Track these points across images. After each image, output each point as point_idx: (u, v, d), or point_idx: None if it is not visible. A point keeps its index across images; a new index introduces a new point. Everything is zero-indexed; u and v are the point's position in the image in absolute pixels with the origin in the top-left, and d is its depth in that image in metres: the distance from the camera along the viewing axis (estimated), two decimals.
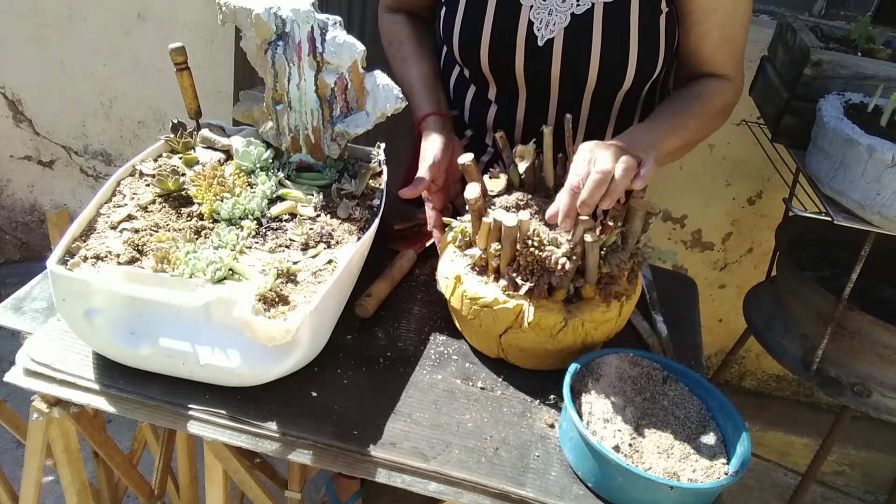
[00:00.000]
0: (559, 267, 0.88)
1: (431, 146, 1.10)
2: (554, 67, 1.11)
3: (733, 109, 1.16)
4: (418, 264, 1.16)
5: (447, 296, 0.99)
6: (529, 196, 1.01)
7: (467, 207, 0.95)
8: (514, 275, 0.91)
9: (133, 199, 0.97)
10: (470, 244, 0.98)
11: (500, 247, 0.91)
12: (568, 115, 1.02)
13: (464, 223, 0.99)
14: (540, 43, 1.09)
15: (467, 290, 0.94)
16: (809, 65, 1.39)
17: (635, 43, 1.08)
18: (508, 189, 1.03)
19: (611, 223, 0.91)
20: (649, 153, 0.90)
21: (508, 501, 0.83)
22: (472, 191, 0.93)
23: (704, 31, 1.10)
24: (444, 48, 1.27)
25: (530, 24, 1.08)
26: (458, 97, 1.27)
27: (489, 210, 0.96)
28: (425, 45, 1.24)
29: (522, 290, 0.90)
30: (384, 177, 1.07)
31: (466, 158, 0.99)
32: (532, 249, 0.89)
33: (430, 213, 1.11)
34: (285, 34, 0.98)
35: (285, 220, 0.99)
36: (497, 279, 0.94)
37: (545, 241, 0.90)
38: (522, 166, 1.02)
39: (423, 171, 1.07)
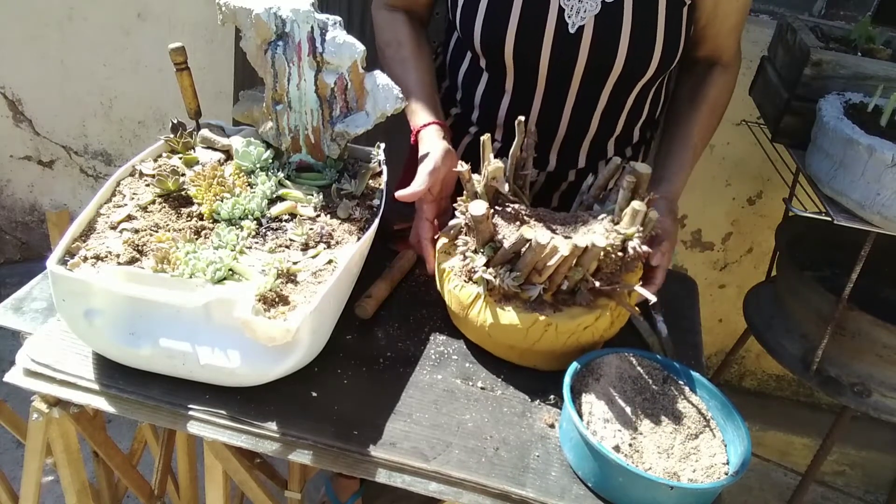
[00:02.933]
0: (642, 252, 0.93)
1: (433, 153, 1.05)
2: (581, 56, 1.10)
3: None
4: (418, 264, 1.16)
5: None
6: (506, 206, 1.01)
7: (527, 254, 0.90)
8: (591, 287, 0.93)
9: (133, 199, 0.97)
10: (507, 294, 0.93)
11: (581, 270, 0.91)
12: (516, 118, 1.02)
13: (509, 282, 0.92)
14: (571, 30, 1.07)
15: (559, 325, 0.92)
16: (809, 65, 1.39)
17: (661, 32, 1.08)
18: (491, 215, 1.00)
19: (655, 195, 0.97)
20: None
21: (508, 501, 0.83)
22: (542, 236, 0.89)
23: (726, 17, 1.15)
24: (455, 36, 1.24)
25: (561, 10, 1.07)
26: (468, 90, 1.24)
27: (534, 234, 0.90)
28: (423, 48, 1.22)
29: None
30: (384, 177, 1.07)
31: (464, 167, 0.99)
32: (617, 254, 0.92)
33: (419, 224, 1.07)
34: (285, 34, 0.98)
35: (285, 221, 0.99)
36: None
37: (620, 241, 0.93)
38: (504, 186, 1.00)
39: (422, 176, 1.03)
